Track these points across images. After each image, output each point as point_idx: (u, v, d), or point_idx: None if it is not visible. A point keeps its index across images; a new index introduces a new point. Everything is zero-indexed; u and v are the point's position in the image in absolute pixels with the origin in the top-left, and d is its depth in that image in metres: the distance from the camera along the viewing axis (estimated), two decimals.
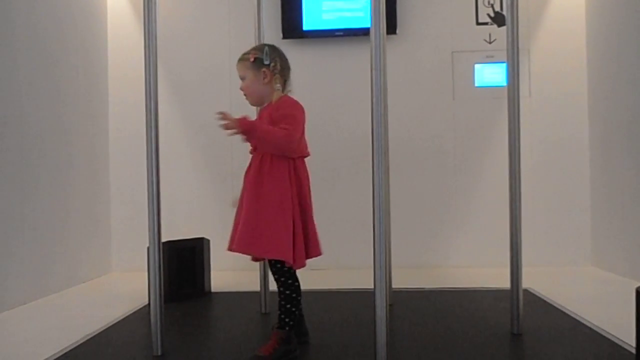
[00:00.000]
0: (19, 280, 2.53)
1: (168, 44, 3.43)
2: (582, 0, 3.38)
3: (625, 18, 2.91)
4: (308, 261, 1.77)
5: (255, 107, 2.03)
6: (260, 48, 1.84)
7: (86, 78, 3.24)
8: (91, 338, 1.98)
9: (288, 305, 1.72)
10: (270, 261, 1.74)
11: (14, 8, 2.56)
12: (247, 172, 1.82)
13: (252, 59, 1.80)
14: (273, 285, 2.41)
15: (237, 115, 1.73)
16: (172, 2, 3.51)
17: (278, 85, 1.80)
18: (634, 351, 1.51)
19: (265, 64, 1.78)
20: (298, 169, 1.76)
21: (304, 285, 1.80)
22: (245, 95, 1.85)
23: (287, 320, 1.72)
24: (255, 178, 1.74)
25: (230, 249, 1.76)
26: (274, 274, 1.75)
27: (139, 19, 3.45)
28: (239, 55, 1.88)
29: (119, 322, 2.21)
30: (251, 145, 1.83)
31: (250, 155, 1.85)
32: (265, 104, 1.84)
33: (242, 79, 1.84)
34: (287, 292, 1.72)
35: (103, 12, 3.49)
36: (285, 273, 1.72)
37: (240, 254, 1.76)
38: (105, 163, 3.47)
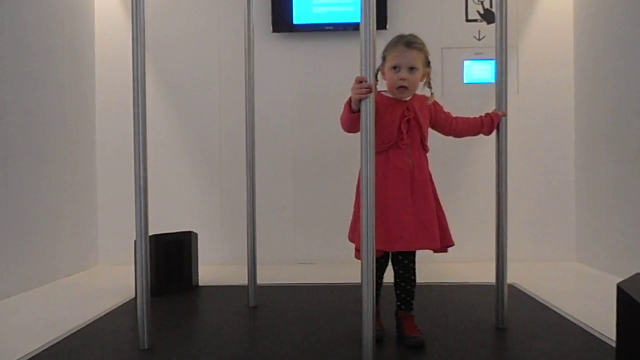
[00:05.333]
0: (3, 273, 2.50)
1: (156, 36, 3.40)
2: None
3: (612, 17, 2.94)
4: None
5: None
6: (426, 45, 1.80)
7: (73, 70, 3.21)
8: (77, 332, 1.97)
9: (413, 289, 1.84)
10: (411, 254, 1.81)
11: None
12: (402, 168, 1.75)
13: (427, 55, 1.80)
14: (261, 279, 2.43)
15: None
16: None
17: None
18: (614, 345, 1.54)
19: (429, 65, 1.82)
20: None
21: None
22: (403, 86, 1.73)
23: (412, 301, 1.84)
24: (423, 171, 1.78)
25: (432, 246, 1.75)
26: (411, 262, 1.82)
27: (127, 12, 3.41)
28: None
29: (105, 315, 2.19)
30: (405, 140, 1.75)
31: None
32: (408, 99, 1.79)
33: (412, 69, 1.74)
34: (413, 277, 1.84)
35: (90, 5, 3.45)
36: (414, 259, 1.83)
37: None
38: (91, 155, 3.44)
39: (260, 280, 2.39)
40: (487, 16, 3.41)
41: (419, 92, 1.84)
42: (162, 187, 3.36)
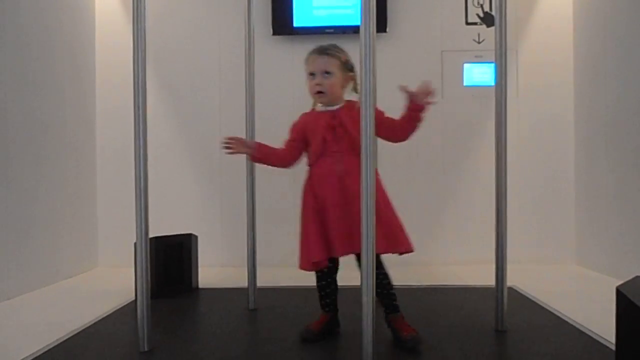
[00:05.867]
0: (3, 274, 2.50)
1: (157, 40, 3.40)
2: (570, 1, 3.42)
3: (612, 19, 2.95)
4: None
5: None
6: (344, 52, 1.84)
7: (73, 73, 3.21)
8: (77, 334, 1.97)
9: (392, 290, 1.81)
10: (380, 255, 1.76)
11: None
12: (332, 174, 1.76)
13: (344, 59, 1.81)
14: (261, 282, 2.43)
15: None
16: None
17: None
18: (614, 348, 1.55)
19: (352, 69, 1.83)
20: None
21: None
22: (320, 92, 1.79)
23: (395, 302, 1.82)
24: (356, 178, 1.72)
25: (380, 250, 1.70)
26: (380, 267, 1.77)
27: (128, 14, 3.42)
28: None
29: (105, 317, 2.19)
30: (332, 145, 1.77)
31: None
32: (335, 107, 1.81)
33: (327, 73, 1.78)
34: (385, 281, 1.80)
35: (91, 7, 3.46)
36: (381, 264, 1.78)
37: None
38: (92, 157, 3.44)
39: (260, 283, 2.39)
40: (487, 19, 3.42)
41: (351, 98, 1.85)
42: (162, 189, 3.36)
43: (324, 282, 1.88)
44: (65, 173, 3.09)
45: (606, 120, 2.99)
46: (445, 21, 3.45)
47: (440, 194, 3.43)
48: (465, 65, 3.43)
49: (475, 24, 3.44)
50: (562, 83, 3.41)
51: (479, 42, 3.44)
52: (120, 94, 3.39)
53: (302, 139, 1.86)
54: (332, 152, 1.77)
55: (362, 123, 1.53)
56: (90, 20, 3.45)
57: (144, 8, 1.78)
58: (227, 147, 1.84)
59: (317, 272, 1.86)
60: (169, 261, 2.60)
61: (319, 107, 1.86)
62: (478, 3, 3.43)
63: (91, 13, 3.46)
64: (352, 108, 1.79)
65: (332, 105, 1.82)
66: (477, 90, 3.42)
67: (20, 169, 2.66)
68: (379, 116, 1.77)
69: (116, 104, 3.44)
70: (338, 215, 1.74)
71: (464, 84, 3.43)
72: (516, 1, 3.38)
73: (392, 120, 1.80)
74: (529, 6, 3.44)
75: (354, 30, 3.31)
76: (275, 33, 3.36)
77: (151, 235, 1.86)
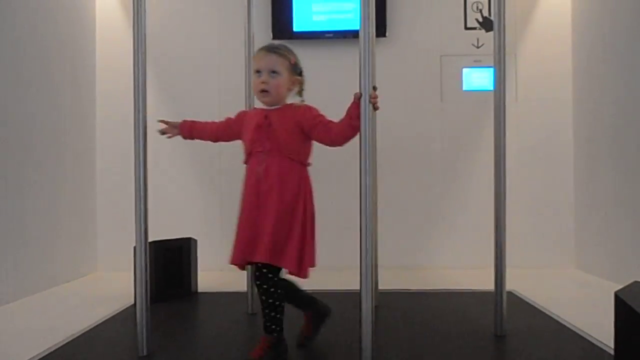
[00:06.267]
0: (2, 279, 2.50)
1: (157, 43, 3.41)
2: (568, 7, 3.43)
3: (610, 23, 2.96)
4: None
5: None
6: (294, 54, 1.80)
7: (74, 75, 3.22)
8: (76, 338, 1.97)
9: (272, 313, 1.68)
10: (261, 270, 1.65)
11: (0, 3, 2.54)
12: (257, 179, 1.70)
13: (293, 61, 1.77)
14: None
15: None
16: (162, 2, 3.49)
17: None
18: (613, 352, 1.55)
19: (300, 73, 1.80)
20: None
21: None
22: (265, 89, 1.71)
23: (273, 327, 1.70)
24: (270, 182, 1.68)
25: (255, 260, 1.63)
26: (263, 281, 1.65)
27: (128, 17, 3.43)
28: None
29: (104, 321, 2.19)
30: (263, 148, 1.70)
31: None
32: (273, 107, 1.74)
33: (274, 72, 1.71)
34: (271, 300, 1.67)
35: (91, 6, 3.47)
36: (275, 283, 1.67)
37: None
38: (92, 162, 3.44)
39: None
40: (486, 24, 3.43)
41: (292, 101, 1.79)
42: (161, 193, 3.36)
43: (263, 297, 1.68)
44: (65, 177, 3.09)
45: (605, 124, 3.00)
46: (444, 26, 3.46)
47: (439, 198, 3.44)
48: (464, 70, 3.44)
49: (474, 28, 3.45)
50: (560, 88, 3.42)
51: (478, 47, 3.45)
52: (121, 98, 3.39)
53: (237, 126, 1.84)
54: (257, 152, 1.71)
55: (362, 126, 1.53)
56: (91, 24, 3.46)
57: (145, 12, 1.79)
58: (163, 133, 1.91)
59: (255, 283, 1.71)
60: (169, 265, 2.60)
61: (261, 106, 1.79)
62: (477, 8, 3.45)
63: (91, 17, 3.47)
64: (288, 109, 1.73)
65: (273, 106, 1.75)
66: (476, 94, 3.43)
67: (19, 173, 2.66)
68: (313, 116, 1.71)
69: (116, 108, 3.45)
70: (246, 219, 1.69)
71: (463, 88, 3.44)
72: (515, 6, 3.40)
73: (329, 122, 1.71)
74: (527, 11, 3.45)
75: (354, 35, 3.33)
76: (275, 37, 3.37)
77: (150, 239, 1.86)
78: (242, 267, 1.75)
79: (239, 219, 1.74)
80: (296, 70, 1.78)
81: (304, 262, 1.68)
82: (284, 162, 1.69)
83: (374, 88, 1.60)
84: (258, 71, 1.73)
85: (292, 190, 1.69)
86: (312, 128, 1.71)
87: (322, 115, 1.73)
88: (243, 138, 1.81)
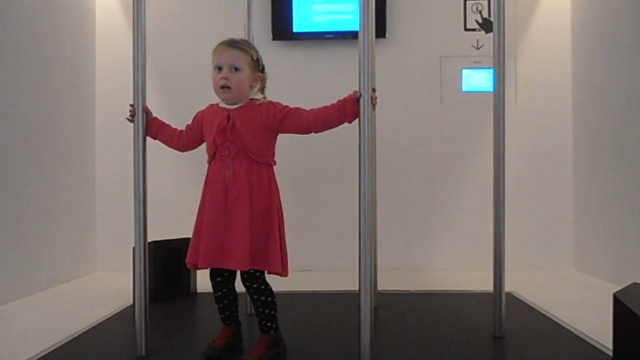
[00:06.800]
0: (1, 279, 2.50)
1: (156, 45, 3.41)
2: (568, 8, 3.44)
3: (610, 24, 2.96)
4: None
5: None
6: (256, 49, 1.75)
7: (73, 76, 3.22)
8: (75, 338, 1.97)
9: (267, 311, 1.69)
10: (248, 271, 1.64)
11: (1, 2, 2.54)
12: (221, 180, 1.67)
13: (255, 57, 1.71)
14: None
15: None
16: (162, 3, 3.50)
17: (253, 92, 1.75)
18: (611, 354, 1.55)
19: (262, 69, 1.75)
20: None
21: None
22: (226, 86, 1.67)
23: (269, 324, 1.71)
24: (241, 185, 1.65)
25: (225, 265, 1.62)
26: (252, 283, 1.66)
27: (128, 18, 3.43)
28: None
29: (103, 322, 2.19)
30: (225, 150, 1.66)
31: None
32: (235, 106, 1.70)
33: (236, 69, 1.66)
34: (263, 297, 1.68)
35: (91, 6, 3.47)
36: (264, 281, 1.69)
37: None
38: (91, 162, 3.44)
39: None
40: (486, 25, 3.43)
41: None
42: (161, 193, 3.35)
43: (219, 294, 1.75)
44: (64, 177, 3.09)
45: (605, 125, 3.00)
46: (444, 27, 3.46)
47: (438, 199, 3.44)
48: (464, 71, 3.44)
49: (474, 30, 3.46)
50: (560, 89, 3.42)
51: (477, 48, 3.45)
52: (120, 98, 3.38)
53: (198, 130, 1.77)
54: (222, 156, 1.66)
55: (361, 127, 1.53)
56: (91, 24, 3.46)
57: (145, 13, 1.79)
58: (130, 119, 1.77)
59: (211, 282, 1.75)
60: (168, 265, 2.60)
61: (221, 103, 1.74)
62: (477, 9, 3.45)
63: (91, 17, 3.47)
64: (251, 108, 1.69)
65: (235, 104, 1.69)
66: (476, 96, 3.43)
67: (17, 173, 2.66)
68: (279, 109, 1.67)
69: (116, 108, 3.43)
70: (213, 223, 1.64)
71: (463, 89, 3.44)
72: (515, 7, 3.40)
73: (297, 109, 1.68)
74: (527, 12, 3.45)
75: (354, 35, 3.32)
76: (275, 38, 3.37)
77: (149, 239, 1.86)
78: (197, 268, 1.72)
79: (201, 222, 1.69)
80: (258, 66, 1.72)
81: (284, 261, 1.69)
82: (252, 166, 1.66)
83: (373, 90, 1.59)
84: (219, 67, 1.68)
85: (264, 194, 1.66)
86: (281, 121, 1.67)
87: (287, 106, 1.70)
88: (205, 138, 1.74)
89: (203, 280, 2.84)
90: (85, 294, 2.79)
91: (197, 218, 1.75)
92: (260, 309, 1.69)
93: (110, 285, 2.96)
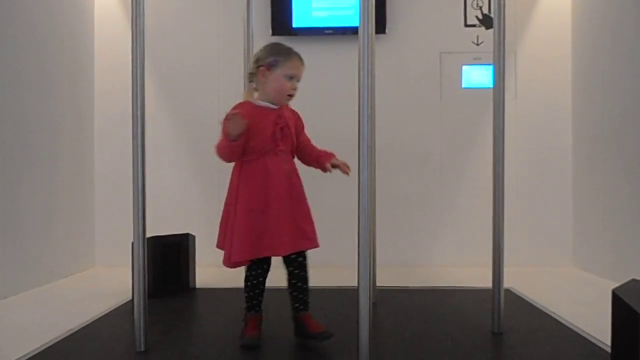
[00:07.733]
0: (0, 274, 2.50)
1: (156, 39, 3.40)
2: (569, 4, 3.43)
3: (610, 21, 2.95)
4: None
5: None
6: None
7: (72, 72, 3.21)
8: (74, 333, 1.97)
9: (305, 286, 1.88)
10: (302, 251, 1.85)
11: None
12: (275, 170, 1.82)
13: None
14: None
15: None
16: None
17: None
18: (610, 350, 1.55)
19: None
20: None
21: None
22: (291, 95, 1.88)
23: (308, 300, 1.88)
24: (297, 176, 1.89)
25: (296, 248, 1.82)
26: (305, 259, 1.86)
27: (127, 15, 3.42)
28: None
29: (102, 317, 2.19)
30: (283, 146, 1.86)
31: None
32: (277, 108, 1.88)
33: (298, 80, 1.88)
34: (303, 273, 1.86)
35: (90, 2, 3.45)
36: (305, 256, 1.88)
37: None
38: (90, 157, 3.43)
39: None
40: (486, 21, 3.42)
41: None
42: (159, 188, 3.36)
43: (260, 280, 1.88)
44: (63, 172, 3.09)
45: (605, 123, 3.00)
46: (444, 23, 3.45)
47: (437, 196, 3.44)
48: (464, 67, 3.43)
49: (474, 26, 3.45)
50: (560, 86, 3.42)
51: (477, 44, 3.44)
52: (119, 93, 3.38)
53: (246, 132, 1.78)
54: (280, 150, 1.83)
55: (361, 124, 1.53)
56: (89, 21, 3.45)
57: (143, 8, 1.78)
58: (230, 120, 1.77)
59: (253, 272, 1.87)
60: (166, 261, 2.60)
61: (260, 102, 1.86)
62: (477, 5, 3.44)
63: (90, 14, 3.45)
64: (290, 112, 1.92)
65: (276, 105, 1.87)
66: (476, 92, 3.42)
67: (16, 168, 2.65)
68: (303, 125, 1.97)
69: (114, 104, 3.44)
70: (286, 213, 1.80)
71: (463, 85, 3.44)
72: (515, 3, 3.39)
73: (308, 141, 1.98)
74: (527, 8, 3.44)
75: (353, 31, 3.32)
76: (274, 33, 3.36)
77: (148, 234, 1.86)
78: (242, 265, 1.86)
79: (263, 214, 1.78)
80: None
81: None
82: (292, 157, 1.92)
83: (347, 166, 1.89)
84: (291, 77, 1.85)
85: (300, 181, 1.91)
86: (299, 134, 1.95)
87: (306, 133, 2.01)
88: (256, 137, 1.79)
89: (202, 277, 2.86)
90: (84, 289, 2.79)
91: (239, 214, 1.79)
92: (304, 285, 1.86)
93: (109, 281, 2.96)
